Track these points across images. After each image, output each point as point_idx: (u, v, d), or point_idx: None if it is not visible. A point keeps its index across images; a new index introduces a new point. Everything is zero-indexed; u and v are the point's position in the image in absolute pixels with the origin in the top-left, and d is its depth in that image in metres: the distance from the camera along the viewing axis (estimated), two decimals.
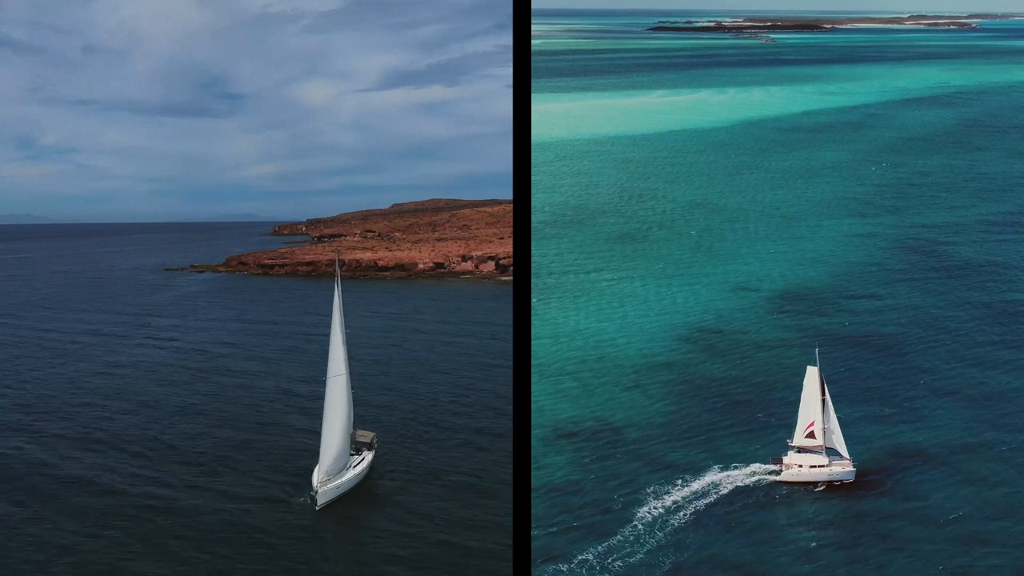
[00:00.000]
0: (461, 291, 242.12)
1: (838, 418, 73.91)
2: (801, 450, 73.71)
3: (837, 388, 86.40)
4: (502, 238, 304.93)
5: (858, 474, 71.48)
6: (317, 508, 72.08)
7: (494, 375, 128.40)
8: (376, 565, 66.58)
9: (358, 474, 78.79)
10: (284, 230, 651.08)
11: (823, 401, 74.05)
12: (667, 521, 66.94)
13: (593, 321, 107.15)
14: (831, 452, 73.02)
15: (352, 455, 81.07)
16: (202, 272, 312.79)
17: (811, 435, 73.98)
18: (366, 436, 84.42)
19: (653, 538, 64.87)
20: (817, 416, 74.10)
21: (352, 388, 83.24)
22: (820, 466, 72.25)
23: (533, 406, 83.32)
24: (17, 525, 74.32)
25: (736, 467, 73.77)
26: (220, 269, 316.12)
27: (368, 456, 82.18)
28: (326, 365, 78.62)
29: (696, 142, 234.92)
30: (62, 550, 69.32)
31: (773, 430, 78.92)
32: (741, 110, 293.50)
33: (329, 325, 79.81)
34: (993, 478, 70.74)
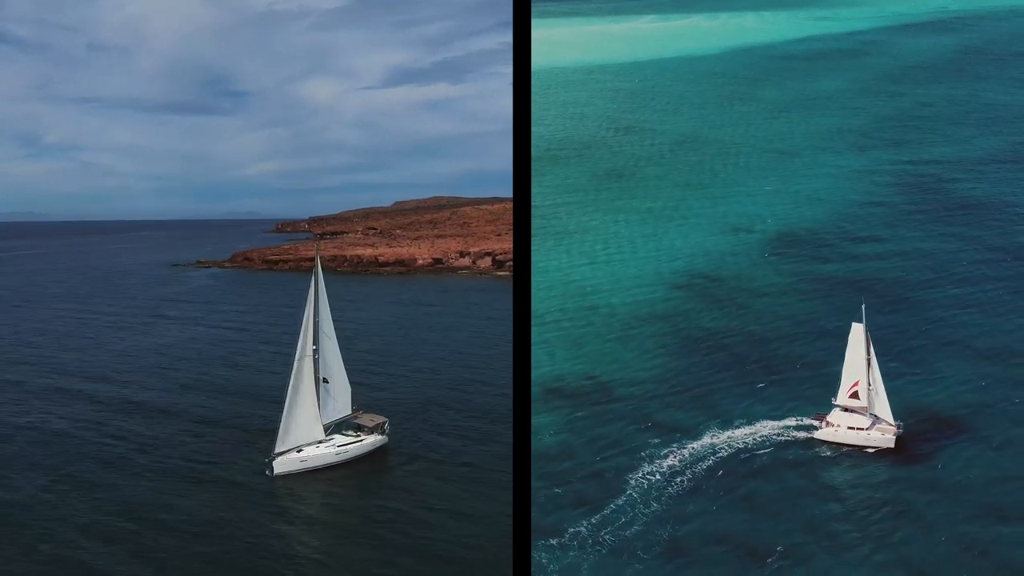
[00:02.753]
0: (458, 285, 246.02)
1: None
2: (847, 410, 71.18)
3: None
4: (499, 235, 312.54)
5: (898, 441, 68.16)
6: (272, 475, 75.59)
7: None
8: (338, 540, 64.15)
9: (337, 453, 79.88)
10: (287, 227, 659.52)
11: (868, 360, 71.11)
12: (665, 489, 64.27)
13: (580, 267, 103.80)
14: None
15: (348, 435, 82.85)
16: (208, 268, 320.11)
17: (855, 395, 71.38)
18: (373, 420, 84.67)
19: (649, 508, 62.14)
20: (862, 375, 71.29)
21: (348, 372, 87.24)
22: (859, 428, 69.44)
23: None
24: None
25: (739, 425, 71.10)
26: (226, 265, 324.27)
27: (369, 439, 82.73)
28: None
29: (687, 71, 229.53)
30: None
31: (781, 387, 76.25)
32: (733, 36, 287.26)
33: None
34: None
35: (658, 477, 65.86)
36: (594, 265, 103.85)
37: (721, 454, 67.92)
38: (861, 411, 70.81)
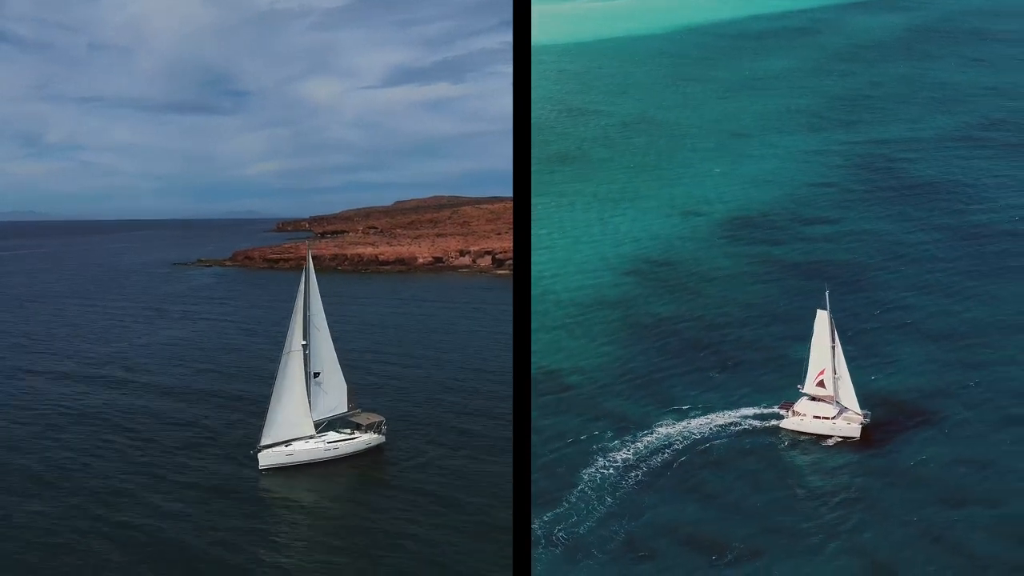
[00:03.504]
0: (458, 283, 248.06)
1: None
2: (813, 399, 70.53)
3: (800, 327, 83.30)
4: (499, 234, 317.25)
5: (864, 431, 67.42)
6: (260, 468, 76.11)
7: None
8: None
9: (326, 449, 79.49)
10: (287, 227, 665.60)
11: (833, 348, 70.33)
12: (620, 483, 63.04)
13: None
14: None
15: (342, 432, 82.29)
16: (209, 266, 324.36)
17: (821, 384, 70.71)
18: (369, 419, 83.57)
19: (603, 504, 60.84)
20: (827, 364, 70.53)
21: (342, 368, 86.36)
22: (824, 418, 68.75)
23: None
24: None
25: (695, 416, 70.16)
26: (227, 264, 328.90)
27: (363, 437, 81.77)
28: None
29: (635, 51, 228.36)
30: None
31: (736, 374, 75.55)
32: (681, 15, 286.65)
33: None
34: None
35: (612, 471, 64.66)
36: (539, 251, 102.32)
37: (676, 446, 66.87)
38: (828, 400, 70.12)
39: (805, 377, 71.91)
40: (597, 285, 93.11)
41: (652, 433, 68.44)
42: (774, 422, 69.54)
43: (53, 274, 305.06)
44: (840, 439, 67.68)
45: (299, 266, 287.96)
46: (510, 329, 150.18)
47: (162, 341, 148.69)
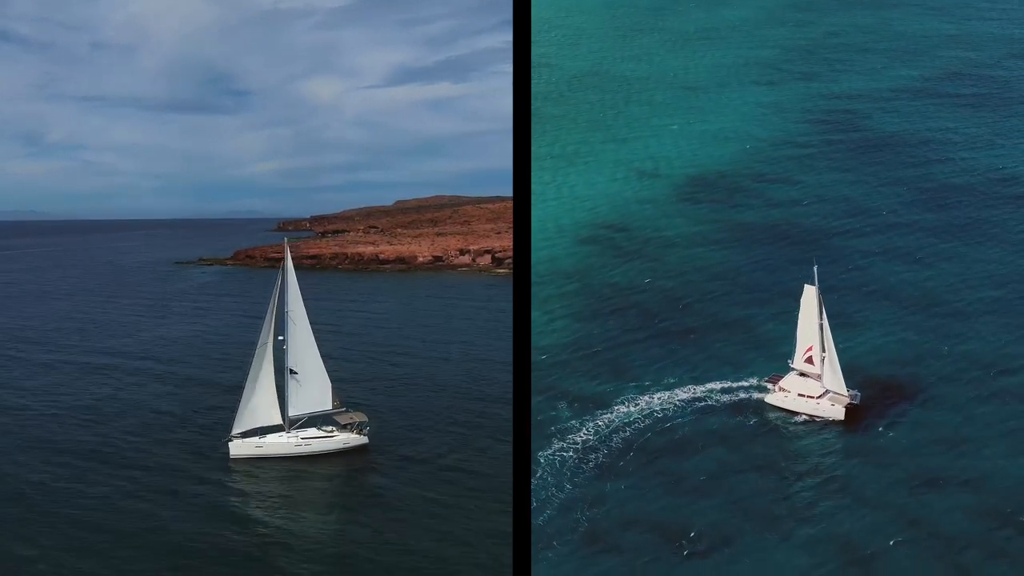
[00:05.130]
0: (456, 281, 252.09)
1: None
2: (803, 375, 69.43)
3: (763, 295, 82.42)
4: (499, 233, 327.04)
5: (848, 412, 66.31)
6: (230, 457, 79.08)
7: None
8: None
9: (297, 445, 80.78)
10: (288, 226, 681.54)
11: (821, 325, 69.02)
12: (579, 468, 61.60)
13: None
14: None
15: (324, 430, 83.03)
16: (211, 265, 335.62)
17: (810, 360, 69.55)
18: (351, 419, 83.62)
19: (562, 491, 59.38)
20: (815, 341, 69.30)
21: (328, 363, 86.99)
22: (809, 396, 67.64)
23: None
24: None
25: (657, 391, 68.96)
26: (228, 262, 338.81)
27: (340, 436, 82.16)
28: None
29: (583, 0, 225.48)
30: None
31: (698, 347, 74.34)
32: None
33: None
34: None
35: (571, 454, 63.23)
36: None
37: (638, 425, 65.59)
38: (816, 378, 69.02)
39: (795, 352, 70.70)
40: (552, 255, 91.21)
41: (612, 412, 67.12)
42: (747, 395, 68.57)
43: (60, 271, 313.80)
44: (821, 420, 66.66)
45: (299, 265, 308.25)
46: (500, 323, 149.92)
47: (184, 335, 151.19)
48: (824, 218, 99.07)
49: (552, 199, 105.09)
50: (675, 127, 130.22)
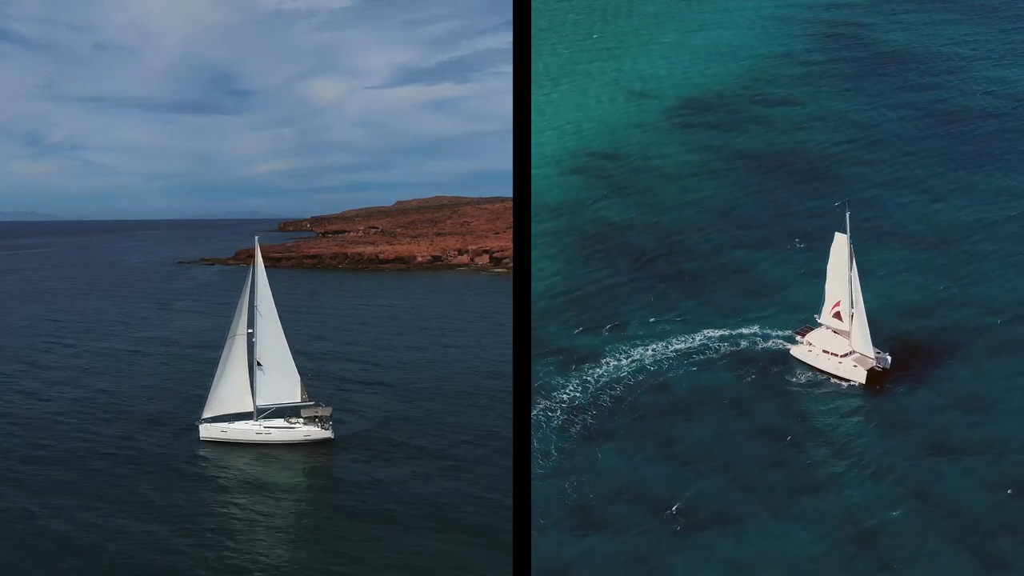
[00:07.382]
0: (455, 280, 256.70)
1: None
2: (831, 329, 66.72)
3: (761, 233, 79.53)
4: (497, 233, 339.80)
5: (869, 375, 63.47)
6: (200, 438, 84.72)
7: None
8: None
9: (258, 433, 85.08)
10: (289, 226, 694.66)
11: (850, 278, 65.82)
12: (567, 430, 59.08)
13: None
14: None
15: (291, 421, 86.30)
16: (213, 264, 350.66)
17: (838, 316, 66.69)
18: (314, 412, 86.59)
19: (548, 460, 56.84)
20: (844, 295, 66.28)
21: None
22: (832, 354, 64.96)
23: None
24: None
25: (650, 343, 66.31)
26: (230, 262, 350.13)
27: (301, 429, 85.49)
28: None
29: None
30: None
31: (693, 292, 71.74)
32: None
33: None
34: None
35: (558, 413, 60.73)
36: None
37: (628, 381, 63.00)
38: (844, 335, 66.19)
39: (823, 306, 67.96)
40: (536, 186, 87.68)
41: (601, 367, 64.55)
42: (743, 344, 66.15)
43: (68, 270, 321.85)
44: (844, 380, 64.22)
45: (300, 265, 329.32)
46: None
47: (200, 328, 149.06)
48: (826, 144, 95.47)
49: (536, 123, 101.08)
50: (667, 40, 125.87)
